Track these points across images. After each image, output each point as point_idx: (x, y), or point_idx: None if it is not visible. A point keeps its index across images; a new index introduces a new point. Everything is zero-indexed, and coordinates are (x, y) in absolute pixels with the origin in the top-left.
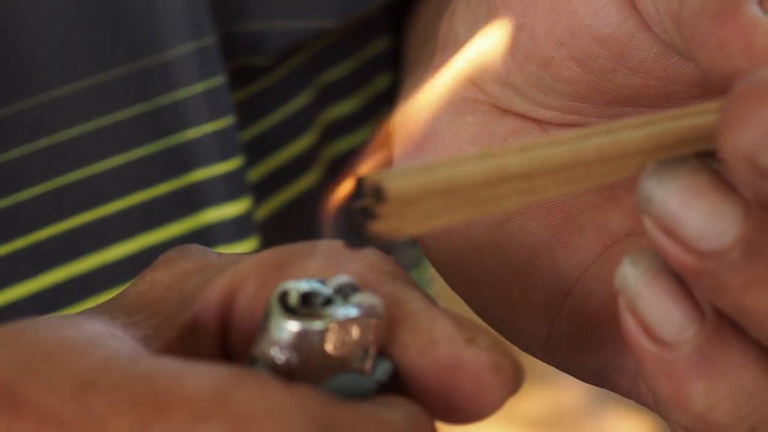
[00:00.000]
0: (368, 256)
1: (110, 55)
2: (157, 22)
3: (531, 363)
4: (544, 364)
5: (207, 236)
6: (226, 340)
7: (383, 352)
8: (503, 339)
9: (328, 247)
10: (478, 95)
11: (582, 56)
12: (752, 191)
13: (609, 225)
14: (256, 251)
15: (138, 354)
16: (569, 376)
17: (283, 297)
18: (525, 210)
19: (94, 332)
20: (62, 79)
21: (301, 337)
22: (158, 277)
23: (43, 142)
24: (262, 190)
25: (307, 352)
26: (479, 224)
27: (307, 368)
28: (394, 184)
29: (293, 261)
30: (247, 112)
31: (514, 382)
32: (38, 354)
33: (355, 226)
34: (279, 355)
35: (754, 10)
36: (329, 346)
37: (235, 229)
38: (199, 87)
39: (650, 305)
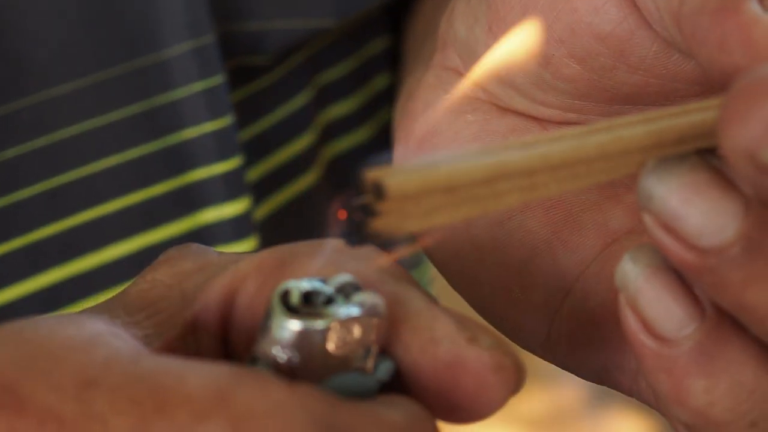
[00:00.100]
0: (369, 254)
1: (108, 54)
2: (156, 21)
3: (531, 362)
4: (544, 364)
5: (206, 236)
6: (227, 340)
7: (385, 351)
8: (505, 338)
9: (329, 246)
10: (478, 93)
11: (582, 54)
12: (752, 187)
13: (609, 223)
14: (256, 251)
15: (139, 353)
16: (569, 375)
17: (285, 296)
18: (525, 208)
19: (95, 331)
20: (60, 78)
21: (303, 336)
22: (159, 276)
23: (41, 141)
24: (261, 190)
25: (309, 351)
26: (479, 223)
27: (308, 367)
28: (395, 181)
29: (294, 260)
30: (246, 112)
31: (515, 381)
32: (39, 353)
33: (356, 223)
34: (280, 354)
35: (754, 7)
36: (331, 345)
37: (234, 229)
38: (197, 86)
39: (650, 302)
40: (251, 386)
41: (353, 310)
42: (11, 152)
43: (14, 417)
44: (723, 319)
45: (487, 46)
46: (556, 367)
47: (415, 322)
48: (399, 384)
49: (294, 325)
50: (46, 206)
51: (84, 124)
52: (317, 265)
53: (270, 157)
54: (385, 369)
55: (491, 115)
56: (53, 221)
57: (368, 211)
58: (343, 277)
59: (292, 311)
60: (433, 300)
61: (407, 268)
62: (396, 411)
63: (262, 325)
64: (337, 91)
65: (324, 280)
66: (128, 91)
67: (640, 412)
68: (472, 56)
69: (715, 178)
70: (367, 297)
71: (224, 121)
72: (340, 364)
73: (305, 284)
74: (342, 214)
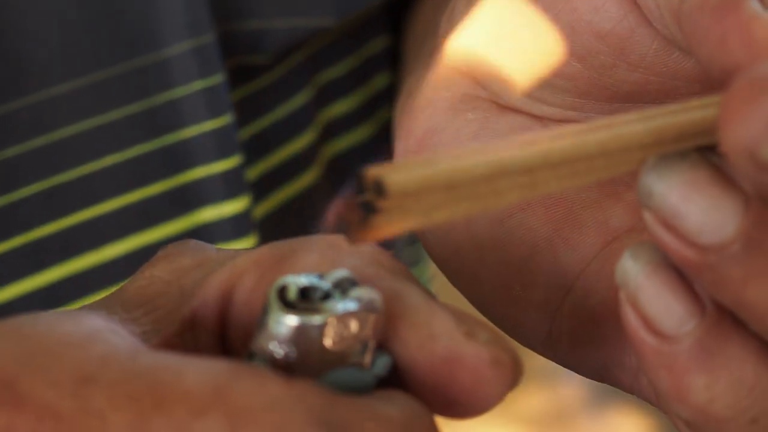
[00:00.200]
0: (367, 250)
1: (108, 54)
2: (156, 20)
3: (531, 361)
4: (544, 363)
5: (205, 235)
6: (225, 336)
7: (382, 347)
8: (503, 334)
9: (327, 241)
10: (478, 92)
11: (582, 52)
12: (752, 185)
13: (610, 221)
14: (254, 247)
15: (137, 349)
16: (569, 374)
17: (282, 291)
18: (526, 206)
19: (93, 327)
20: (60, 77)
21: (300, 331)
22: (157, 273)
23: (41, 140)
24: (260, 189)
25: (306, 346)
26: (480, 220)
27: (305, 363)
28: (395, 178)
29: (291, 256)
30: (246, 111)
31: (513, 376)
32: (38, 349)
33: (356, 220)
34: (277, 349)
35: (754, 5)
36: (328, 341)
37: (234, 228)
38: (197, 85)
39: (651, 299)
40: (248, 381)
41: (350, 306)
42: (11, 151)
43: (12, 413)
44: (723, 316)
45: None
46: (555, 366)
47: (413, 317)
48: (396, 379)
49: (291, 321)
50: (46, 205)
51: (83, 123)
52: (314, 261)
53: (270, 156)
54: (382, 364)
55: (491, 114)
56: (52, 220)
57: (369, 208)
58: (340, 273)
59: (289, 307)
60: (430, 295)
61: (407, 266)
62: (393, 406)
63: (259, 321)
64: (337, 90)
65: (321, 276)
66: (128, 90)
67: (639, 411)
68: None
69: (716, 176)
70: (364, 292)
71: (224, 120)
72: (337, 359)
73: (302, 280)
74: (342, 211)
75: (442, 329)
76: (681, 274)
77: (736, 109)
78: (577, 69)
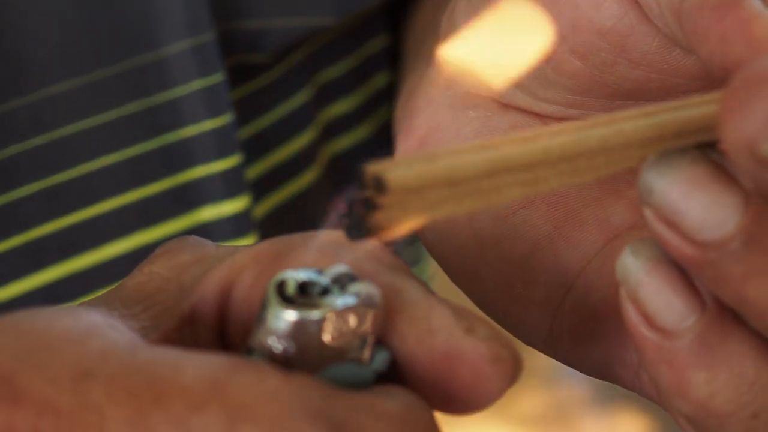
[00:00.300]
0: (366, 246)
1: (107, 53)
2: (156, 20)
3: (532, 360)
4: (543, 362)
5: (204, 234)
6: (224, 332)
7: (381, 342)
8: (503, 330)
9: (326, 237)
10: (479, 90)
11: (583, 50)
12: (753, 181)
13: (611, 218)
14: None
15: (135, 344)
16: (568, 374)
17: (281, 286)
18: (527, 203)
19: (91, 323)
20: (59, 76)
21: (299, 326)
22: (156, 269)
23: (40, 140)
24: (260, 188)
25: (305, 341)
26: (481, 218)
27: (304, 358)
28: (396, 174)
29: (290, 251)
30: (246, 110)
31: (512, 372)
32: (36, 344)
33: (357, 217)
34: (276, 344)
35: (755, 3)
36: (326, 336)
37: (234, 227)
38: (197, 84)
39: (651, 294)
40: (246, 376)
41: (349, 301)
42: (10, 150)
43: (11, 409)
44: (723, 311)
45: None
46: (556, 365)
47: (412, 312)
48: (395, 375)
49: (289, 316)
50: (45, 204)
51: (83, 123)
52: (313, 257)
53: (270, 155)
54: (381, 359)
55: (492, 112)
56: (52, 219)
57: (369, 205)
58: (339, 268)
59: (288, 302)
60: (429, 291)
61: (408, 264)
62: (392, 401)
63: (258, 316)
64: (337, 89)
65: (320, 271)
66: (127, 89)
67: (640, 411)
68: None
69: (716, 172)
70: (363, 287)
71: (223, 119)
72: (336, 354)
73: (301, 275)
74: (343, 208)
75: (441, 324)
76: (681, 270)
77: (737, 105)
78: (578, 66)
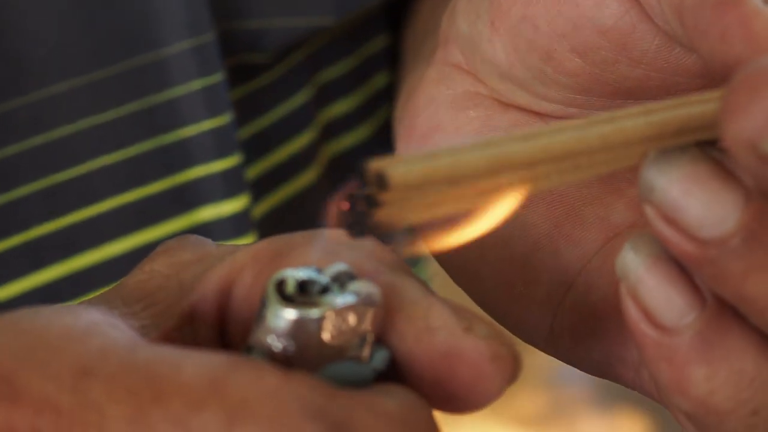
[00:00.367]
0: (365, 245)
1: (107, 53)
2: (155, 20)
3: (529, 360)
4: (543, 362)
5: (204, 234)
6: (224, 330)
7: (380, 341)
8: (503, 329)
9: (325, 236)
10: (480, 89)
11: (584, 48)
12: (753, 178)
13: (611, 217)
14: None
15: (135, 343)
16: (569, 373)
17: (280, 285)
18: (527, 203)
19: (91, 321)
20: (58, 76)
21: (298, 324)
22: (157, 267)
23: (39, 140)
24: (260, 188)
25: (304, 340)
26: None
27: (303, 356)
28: (398, 171)
29: (290, 250)
30: (246, 110)
31: (512, 370)
32: (36, 343)
33: (358, 214)
34: (276, 343)
35: (755, 0)
36: (326, 334)
37: (233, 227)
38: (196, 84)
39: (651, 291)
40: (246, 375)
41: (348, 299)
42: (9, 150)
43: (11, 407)
44: (723, 308)
45: (490, 41)
46: (556, 365)
47: (411, 311)
48: (395, 373)
49: (289, 314)
50: (45, 204)
51: (82, 122)
52: (313, 255)
53: (270, 155)
54: (380, 358)
55: (493, 111)
56: (52, 219)
57: (371, 202)
58: (339, 267)
59: (288, 300)
60: (428, 289)
61: (408, 264)
62: (391, 400)
63: (257, 314)
64: (337, 89)
65: (319, 270)
66: (127, 89)
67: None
68: (474, 52)
69: (716, 170)
70: (363, 286)
71: (223, 119)
72: (336, 353)
73: (301, 273)
74: (344, 205)
75: (441, 323)
76: (681, 267)
77: (738, 101)
78: (579, 65)
